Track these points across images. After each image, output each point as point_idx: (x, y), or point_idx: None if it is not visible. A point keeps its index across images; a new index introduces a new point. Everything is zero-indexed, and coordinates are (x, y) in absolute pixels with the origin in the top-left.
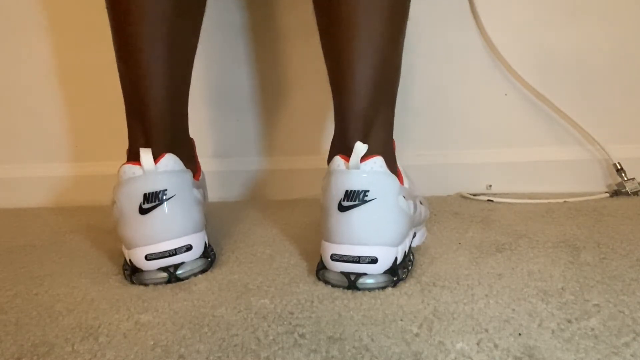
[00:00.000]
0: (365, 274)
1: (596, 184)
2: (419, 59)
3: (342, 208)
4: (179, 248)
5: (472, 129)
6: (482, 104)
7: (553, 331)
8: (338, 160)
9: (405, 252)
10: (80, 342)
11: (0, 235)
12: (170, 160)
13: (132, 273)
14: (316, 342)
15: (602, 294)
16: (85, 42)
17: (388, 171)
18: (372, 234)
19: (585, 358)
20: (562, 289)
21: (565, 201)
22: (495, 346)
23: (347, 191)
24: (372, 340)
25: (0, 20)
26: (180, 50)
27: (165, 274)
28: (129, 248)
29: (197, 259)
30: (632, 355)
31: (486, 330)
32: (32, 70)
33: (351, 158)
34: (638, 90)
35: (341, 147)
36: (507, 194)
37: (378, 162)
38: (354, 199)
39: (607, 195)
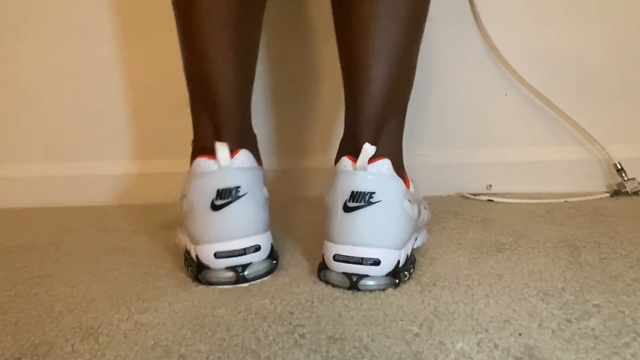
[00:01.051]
0: (367, 276)
1: (596, 184)
2: (419, 59)
3: (347, 209)
4: (248, 248)
5: (472, 129)
6: (482, 104)
7: (553, 331)
8: (345, 161)
9: (407, 255)
10: (80, 342)
11: (0, 235)
12: (245, 156)
13: (199, 270)
14: (316, 342)
15: (602, 294)
16: (91, 40)
17: (395, 174)
18: (376, 236)
19: (585, 358)
20: (562, 289)
21: (565, 201)
22: (496, 346)
23: (353, 192)
24: (373, 340)
25: (6, 20)
26: (248, 40)
27: (232, 274)
28: (196, 244)
29: (264, 260)
30: (632, 355)
31: (486, 330)
32: (32, 70)
33: (359, 159)
34: (638, 90)
35: (350, 148)
36: (507, 194)
37: (385, 164)
38: (359, 200)
39: (607, 195)
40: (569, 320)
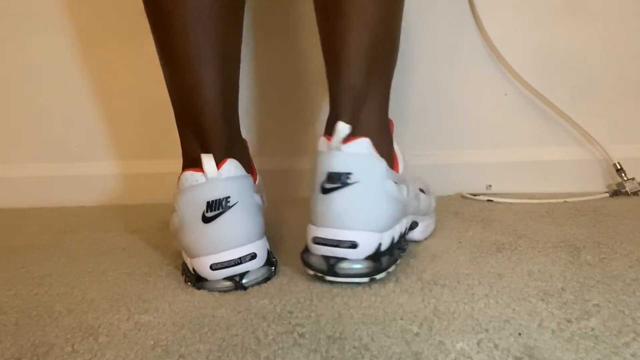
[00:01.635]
0: (345, 259)
1: (596, 184)
2: (419, 59)
3: (324, 190)
4: (243, 257)
5: (472, 129)
6: (482, 104)
7: (553, 331)
8: (322, 140)
9: (393, 239)
10: (80, 342)
11: (0, 235)
12: (231, 166)
13: (197, 281)
14: (316, 342)
15: (602, 294)
16: (91, 40)
17: (374, 153)
18: (353, 218)
19: (585, 358)
20: (562, 288)
21: (565, 201)
22: (495, 346)
23: (329, 173)
24: (372, 339)
25: (6, 20)
26: (229, 46)
27: (230, 283)
28: (191, 257)
29: (261, 267)
30: (632, 355)
31: (486, 330)
32: (32, 70)
33: (332, 138)
34: (638, 90)
35: (330, 127)
36: (507, 194)
37: (363, 143)
38: (335, 181)
39: (607, 195)
40: (569, 320)
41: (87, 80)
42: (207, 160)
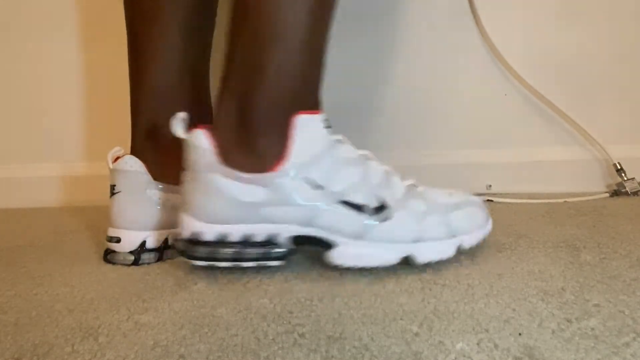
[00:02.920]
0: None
1: (596, 184)
2: (419, 59)
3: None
4: (111, 237)
5: (472, 129)
6: (482, 104)
7: (553, 331)
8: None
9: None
10: (80, 342)
11: (0, 235)
12: (125, 161)
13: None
14: (316, 342)
15: (602, 294)
16: (92, 40)
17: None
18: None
19: (585, 358)
20: (562, 288)
21: (565, 201)
22: (495, 346)
23: (110, 185)
24: (372, 339)
25: (6, 20)
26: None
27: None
28: None
29: (126, 252)
30: (632, 355)
31: (486, 330)
32: (32, 70)
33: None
34: (638, 90)
35: None
36: (507, 194)
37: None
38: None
39: (607, 195)
40: (569, 320)
41: (87, 81)
42: (109, 153)
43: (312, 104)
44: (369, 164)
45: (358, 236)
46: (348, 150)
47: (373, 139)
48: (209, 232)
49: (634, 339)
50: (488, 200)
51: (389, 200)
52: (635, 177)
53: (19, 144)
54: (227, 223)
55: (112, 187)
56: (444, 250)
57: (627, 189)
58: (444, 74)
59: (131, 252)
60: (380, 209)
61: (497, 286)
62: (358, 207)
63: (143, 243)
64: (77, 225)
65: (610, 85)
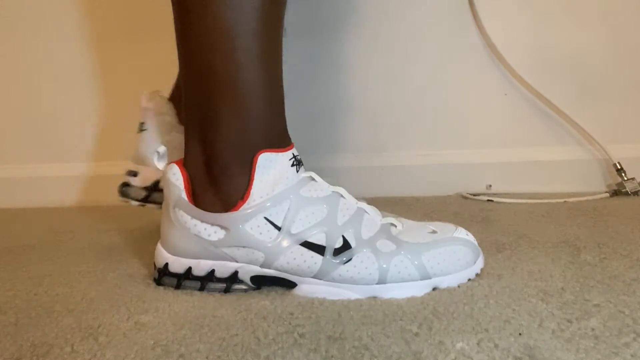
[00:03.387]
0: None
1: (596, 184)
2: (419, 59)
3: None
4: (129, 170)
5: (472, 129)
6: (482, 104)
7: (553, 331)
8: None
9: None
10: (80, 342)
11: (0, 235)
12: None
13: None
14: (316, 342)
15: (602, 294)
16: (92, 41)
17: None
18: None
19: (585, 358)
20: (562, 289)
21: (565, 201)
22: (496, 346)
23: (140, 122)
24: (372, 339)
25: (6, 20)
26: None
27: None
28: None
29: (140, 187)
30: (632, 356)
31: (486, 330)
32: (32, 70)
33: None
34: (638, 90)
35: None
36: (507, 194)
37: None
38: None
39: (607, 195)
40: (569, 320)
41: (87, 81)
42: (144, 94)
43: (277, 142)
44: (339, 202)
45: (318, 277)
46: (315, 189)
47: (373, 140)
48: (176, 264)
49: (634, 339)
50: (488, 200)
51: (352, 241)
52: (635, 177)
53: (19, 144)
54: (193, 258)
55: (141, 124)
56: (414, 292)
57: (627, 189)
58: (443, 73)
59: (145, 188)
60: (342, 249)
61: (497, 286)
62: (319, 248)
63: (156, 182)
64: (77, 225)
65: (610, 85)
